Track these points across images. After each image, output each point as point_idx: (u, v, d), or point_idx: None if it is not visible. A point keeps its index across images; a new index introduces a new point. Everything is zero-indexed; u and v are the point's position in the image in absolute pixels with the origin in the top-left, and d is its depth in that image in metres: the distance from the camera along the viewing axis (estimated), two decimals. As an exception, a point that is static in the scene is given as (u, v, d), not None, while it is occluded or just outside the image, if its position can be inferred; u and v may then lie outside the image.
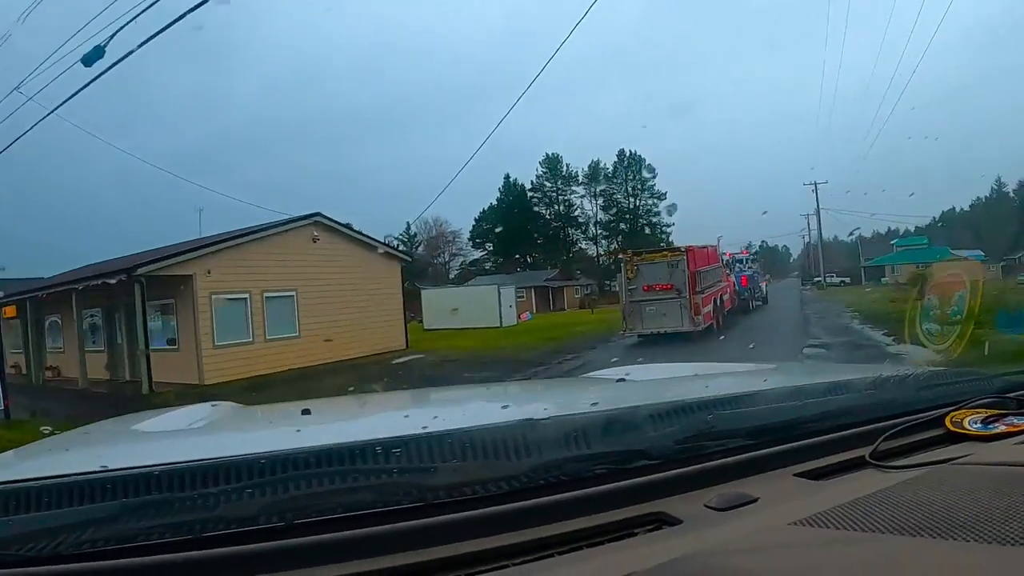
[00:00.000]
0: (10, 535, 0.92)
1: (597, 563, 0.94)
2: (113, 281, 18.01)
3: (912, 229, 63.80)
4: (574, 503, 1.06)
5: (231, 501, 0.98)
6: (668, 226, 71.98)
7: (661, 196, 73.19)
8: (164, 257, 18.83)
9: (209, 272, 18.78)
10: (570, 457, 1.12)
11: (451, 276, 70.30)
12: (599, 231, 75.51)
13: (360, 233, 24.29)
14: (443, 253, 74.89)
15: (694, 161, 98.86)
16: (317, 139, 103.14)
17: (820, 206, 54.16)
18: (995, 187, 65.79)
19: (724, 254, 27.38)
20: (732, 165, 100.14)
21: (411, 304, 30.25)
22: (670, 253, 21.70)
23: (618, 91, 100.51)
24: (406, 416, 1.78)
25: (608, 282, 62.57)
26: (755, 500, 1.08)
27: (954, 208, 68.39)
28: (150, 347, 17.99)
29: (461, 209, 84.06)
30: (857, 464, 1.23)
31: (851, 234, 55.18)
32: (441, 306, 36.12)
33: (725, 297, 24.61)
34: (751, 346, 14.63)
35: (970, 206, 67.69)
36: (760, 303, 31.74)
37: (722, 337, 19.16)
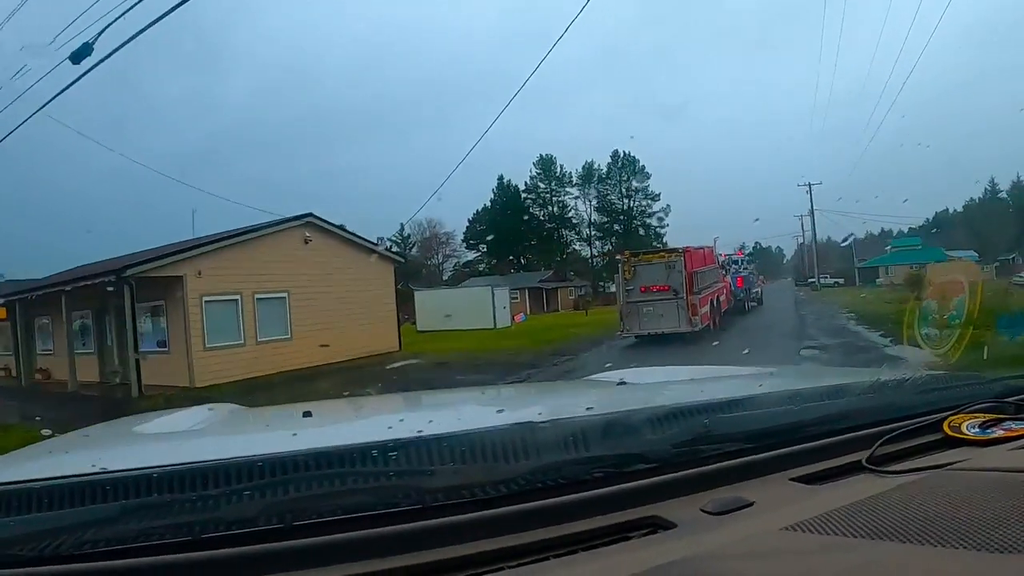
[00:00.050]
0: (11, 535, 0.93)
1: (592, 566, 0.94)
2: (100, 282, 17.82)
3: (905, 230, 64.11)
4: (570, 506, 1.06)
5: (231, 503, 0.99)
6: (662, 227, 72.22)
7: (655, 197, 73.41)
8: (153, 258, 18.61)
9: (200, 273, 18.60)
10: (567, 460, 1.12)
11: (445, 277, 70.29)
12: (593, 232, 75.66)
13: (353, 234, 24.12)
14: (437, 254, 74.96)
15: (687, 162, 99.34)
16: (311, 139, 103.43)
17: (814, 207, 54.30)
18: (988, 188, 66.22)
19: (720, 255, 27.48)
20: (725, 166, 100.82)
21: (404, 306, 30.19)
22: (667, 254, 21.75)
23: (612, 92, 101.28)
24: (403, 419, 1.74)
25: (602, 283, 62.75)
26: (750, 504, 1.08)
27: (947, 209, 68.83)
28: (140, 349, 17.82)
29: (455, 210, 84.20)
30: (854, 469, 1.23)
31: (845, 240, 55.31)
32: (435, 307, 36.07)
33: (722, 298, 24.77)
34: (745, 351, 14.54)
35: (963, 207, 68.18)
36: (755, 304, 31.95)
37: (717, 342, 19.14)
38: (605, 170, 74.63)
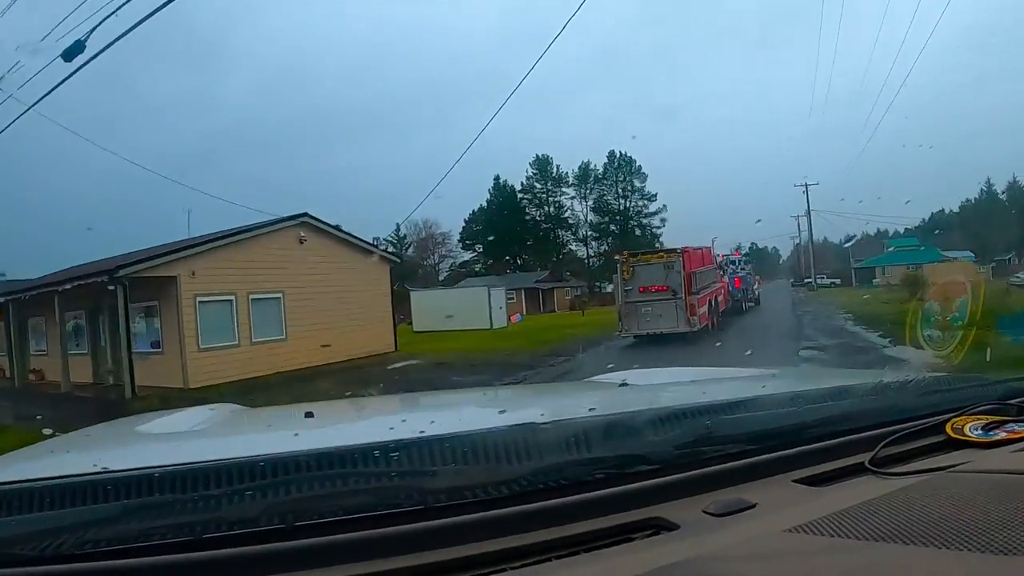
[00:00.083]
0: (12, 535, 0.93)
1: (594, 568, 0.94)
2: (92, 282, 17.69)
3: (902, 231, 64.22)
4: (573, 507, 1.06)
5: (232, 503, 0.98)
6: (658, 228, 72.25)
7: (651, 197, 73.45)
8: (147, 258, 18.46)
9: (194, 273, 18.48)
10: (569, 461, 1.11)
11: (441, 278, 70.28)
12: (589, 233, 75.64)
13: (349, 234, 24.04)
14: (433, 255, 74.85)
15: (686, 162, 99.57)
16: (311, 139, 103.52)
17: (811, 207, 54.31)
18: (984, 188, 66.44)
19: (718, 256, 27.51)
20: (723, 166, 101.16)
21: (400, 306, 30.11)
22: (666, 255, 21.80)
23: (611, 92, 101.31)
24: (405, 420, 1.75)
25: (598, 284, 62.77)
26: (753, 506, 1.08)
27: (943, 210, 69.00)
28: (134, 350, 17.71)
29: (451, 210, 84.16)
30: (856, 470, 1.22)
31: (848, 241, 55.37)
32: (431, 308, 36.06)
33: (720, 298, 24.88)
34: (748, 353, 14.51)
35: (960, 208, 68.35)
36: (752, 304, 32.07)
37: (720, 343, 19.13)
38: (602, 170, 74.76)
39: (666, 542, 1.00)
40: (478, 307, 34.87)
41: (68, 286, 18.91)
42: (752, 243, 65.19)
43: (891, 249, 57.88)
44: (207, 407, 2.31)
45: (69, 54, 11.49)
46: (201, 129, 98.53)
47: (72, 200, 65.53)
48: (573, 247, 76.45)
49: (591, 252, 74.59)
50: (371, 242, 26.00)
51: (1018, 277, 36.07)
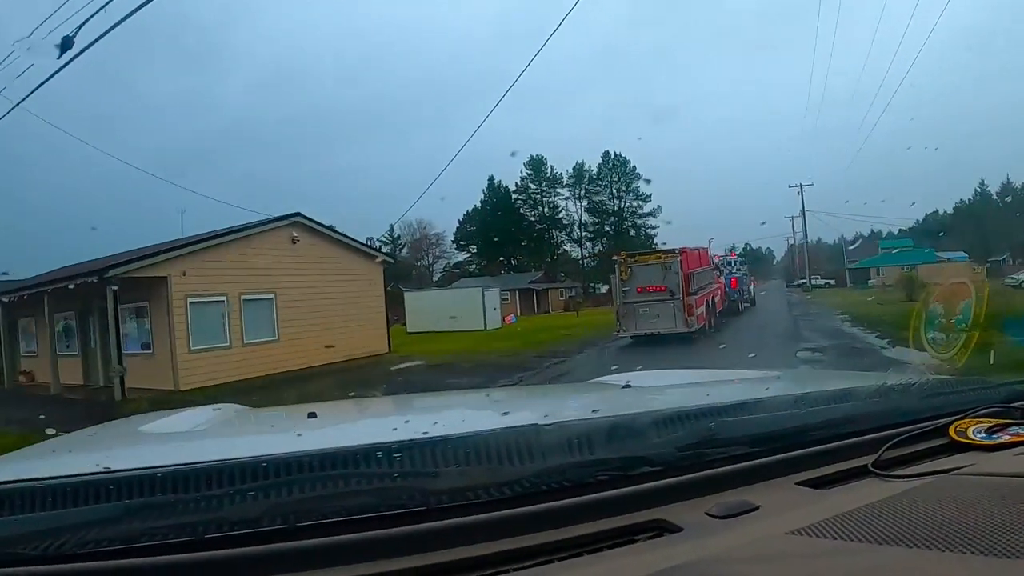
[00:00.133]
0: (14, 534, 0.92)
1: (597, 570, 0.94)
2: (82, 283, 17.45)
3: (896, 231, 64.36)
4: (576, 509, 1.06)
5: (235, 503, 0.98)
6: (653, 228, 72.20)
7: (646, 198, 73.45)
8: (137, 259, 18.24)
9: (184, 274, 18.27)
10: (572, 463, 1.11)
11: (435, 278, 70.23)
12: (584, 233, 75.61)
13: (342, 234, 23.94)
14: (427, 255, 74.82)
15: (683, 162, 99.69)
16: (310, 139, 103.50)
17: (805, 208, 54.30)
18: (978, 190, 66.68)
19: (714, 256, 27.54)
20: (719, 166, 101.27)
21: (394, 307, 29.97)
22: (664, 255, 21.77)
23: (610, 92, 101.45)
24: (408, 421, 1.74)
25: (593, 284, 62.79)
26: (756, 508, 1.08)
27: (937, 211, 69.22)
28: (124, 352, 17.54)
29: (445, 211, 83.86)
30: (860, 473, 1.22)
31: (853, 243, 55.43)
32: (425, 309, 36.04)
33: (717, 299, 24.95)
34: (752, 355, 14.45)
35: (954, 208, 68.60)
36: (748, 305, 32.28)
37: (719, 344, 19.03)
38: (596, 171, 74.73)
39: (669, 544, 1.00)
40: (472, 308, 34.85)
41: (58, 286, 18.73)
42: (746, 244, 65.15)
43: (886, 250, 57.96)
44: (210, 407, 2.30)
45: (60, 49, 11.33)
46: (200, 128, 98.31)
47: (70, 200, 65.16)
48: (567, 248, 76.64)
49: (585, 253, 74.76)
50: (365, 242, 25.81)
51: (1013, 278, 36.21)
